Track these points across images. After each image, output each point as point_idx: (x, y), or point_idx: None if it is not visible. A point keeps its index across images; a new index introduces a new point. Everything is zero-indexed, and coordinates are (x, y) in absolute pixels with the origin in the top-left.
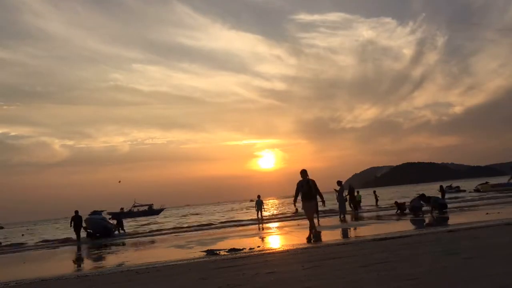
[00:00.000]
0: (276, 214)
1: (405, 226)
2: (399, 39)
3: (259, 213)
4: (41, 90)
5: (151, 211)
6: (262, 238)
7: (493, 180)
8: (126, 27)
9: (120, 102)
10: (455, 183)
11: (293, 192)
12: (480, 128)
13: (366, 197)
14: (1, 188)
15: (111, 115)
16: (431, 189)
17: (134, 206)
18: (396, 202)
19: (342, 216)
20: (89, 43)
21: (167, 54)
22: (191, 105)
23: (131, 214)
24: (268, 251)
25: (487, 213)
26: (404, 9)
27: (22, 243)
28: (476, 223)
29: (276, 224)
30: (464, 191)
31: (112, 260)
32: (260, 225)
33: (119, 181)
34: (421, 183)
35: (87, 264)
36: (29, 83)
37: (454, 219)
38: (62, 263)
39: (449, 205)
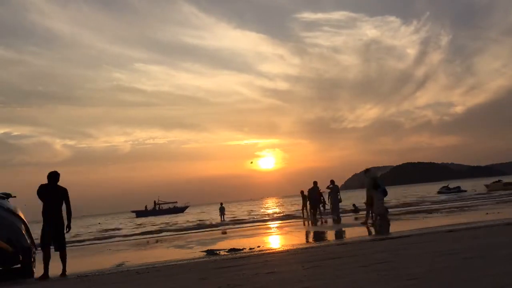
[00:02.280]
0: (242, 218)
1: (402, 226)
2: (403, 38)
3: (222, 217)
4: (42, 90)
5: (176, 209)
6: (262, 238)
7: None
8: (131, 26)
9: (123, 102)
10: (456, 183)
11: (293, 192)
12: (481, 128)
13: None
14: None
15: (113, 115)
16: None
17: (158, 204)
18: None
19: (335, 218)
20: (93, 42)
21: (171, 53)
22: (193, 105)
23: (156, 212)
24: (268, 251)
25: (487, 213)
26: (408, 8)
27: None
28: (476, 223)
29: (237, 227)
30: (465, 191)
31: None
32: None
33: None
34: (421, 183)
35: None
36: (31, 83)
37: (454, 219)
38: None
39: (450, 205)
